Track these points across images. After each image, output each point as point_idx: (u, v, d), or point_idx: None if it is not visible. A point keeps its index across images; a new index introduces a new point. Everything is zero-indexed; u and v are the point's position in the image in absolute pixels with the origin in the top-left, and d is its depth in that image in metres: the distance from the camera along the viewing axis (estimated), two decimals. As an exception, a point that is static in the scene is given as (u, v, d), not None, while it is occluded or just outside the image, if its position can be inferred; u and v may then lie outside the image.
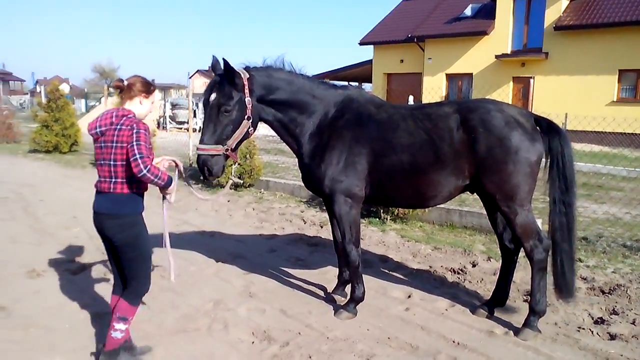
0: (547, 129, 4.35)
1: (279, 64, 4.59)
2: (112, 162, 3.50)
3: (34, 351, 4.10)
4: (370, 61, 30.89)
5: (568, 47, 22.93)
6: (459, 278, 5.78)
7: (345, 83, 41.65)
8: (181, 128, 26.81)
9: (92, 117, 26.79)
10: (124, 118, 3.51)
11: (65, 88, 16.87)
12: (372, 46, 30.25)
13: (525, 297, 5.17)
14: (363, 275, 4.86)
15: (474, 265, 6.12)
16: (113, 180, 3.53)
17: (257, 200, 10.07)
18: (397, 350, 4.14)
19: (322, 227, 7.95)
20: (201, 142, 4.22)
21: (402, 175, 4.40)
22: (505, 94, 23.72)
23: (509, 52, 24.80)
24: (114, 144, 3.47)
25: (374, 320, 4.68)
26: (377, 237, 7.44)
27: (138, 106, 3.65)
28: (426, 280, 5.71)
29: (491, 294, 4.96)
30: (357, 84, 37.36)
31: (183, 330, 4.47)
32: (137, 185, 3.58)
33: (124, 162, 3.47)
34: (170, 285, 5.46)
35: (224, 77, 4.22)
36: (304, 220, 8.38)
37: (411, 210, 7.94)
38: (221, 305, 4.99)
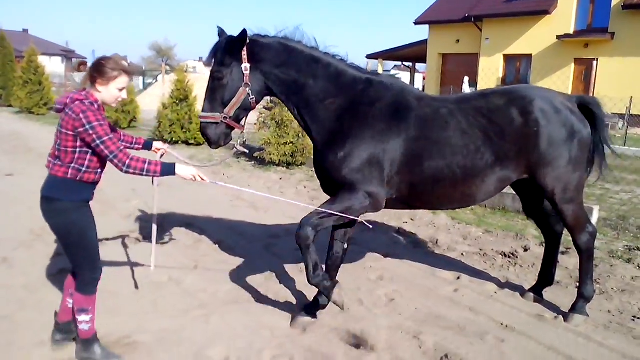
0: (594, 106, 4.27)
1: (298, 35, 4.11)
2: (57, 145, 3.29)
3: (99, 312, 4.35)
4: (425, 41, 30.38)
5: (636, 27, 21.79)
6: (509, 262, 5.74)
7: (399, 63, 41.13)
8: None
9: (149, 95, 27.60)
10: (76, 103, 3.23)
11: (124, 66, 17.55)
12: (427, 26, 29.72)
13: (577, 284, 5.08)
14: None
15: (525, 250, 6.05)
16: (54, 161, 3.32)
17: (309, 178, 10.19)
18: (444, 330, 4.18)
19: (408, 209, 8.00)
20: (202, 110, 4.08)
21: (452, 181, 4.01)
22: (565, 76, 22.92)
23: (571, 32, 23.85)
24: (60, 129, 3.25)
25: (423, 300, 4.73)
26: (427, 218, 7.44)
27: (97, 92, 3.33)
28: (476, 263, 5.70)
29: (537, 277, 4.91)
30: (410, 64, 36.87)
31: (236, 301, 4.65)
32: (80, 173, 3.31)
33: (67, 149, 3.25)
34: (223, 258, 5.69)
35: (219, 44, 3.99)
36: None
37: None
38: (272, 279, 5.16)
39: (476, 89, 25.90)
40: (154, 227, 4.27)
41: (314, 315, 4.30)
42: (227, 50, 3.90)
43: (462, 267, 5.56)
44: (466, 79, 23.93)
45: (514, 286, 5.07)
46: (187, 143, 14.27)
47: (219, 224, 6.99)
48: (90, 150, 3.28)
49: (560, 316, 4.42)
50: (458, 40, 28.45)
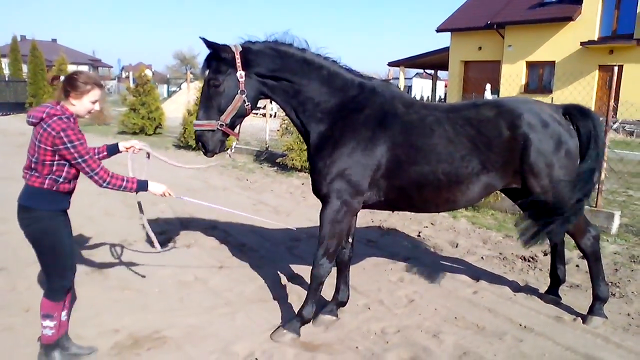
0: (578, 116, 4.25)
1: (288, 39, 4.12)
2: (33, 158, 3.35)
3: (130, 309, 4.56)
4: (447, 48, 30.35)
5: (662, 33, 21.54)
6: (529, 265, 5.79)
7: (421, 70, 41.09)
8: (257, 114, 27.56)
9: (173, 102, 28.14)
10: (54, 119, 3.29)
11: (148, 74, 17.88)
12: (449, 33, 29.70)
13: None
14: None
15: (545, 254, 6.09)
16: (30, 172, 3.39)
17: (330, 184, 10.31)
18: (463, 330, 4.28)
19: (393, 211, 8.10)
20: (197, 118, 4.10)
21: (435, 186, 4.08)
22: (589, 83, 22.69)
23: (595, 38, 23.65)
24: (38, 143, 3.30)
25: (442, 301, 4.82)
26: (447, 223, 7.52)
27: (71, 105, 3.40)
28: (495, 266, 5.77)
29: (549, 278, 4.96)
30: (432, 71, 36.83)
31: (261, 300, 4.80)
32: (56, 184, 3.40)
33: (45, 162, 3.33)
34: (247, 259, 5.85)
35: (214, 52, 4.00)
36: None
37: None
38: (295, 279, 5.30)
39: (498, 96, 25.81)
40: (146, 223, 4.49)
41: (335, 315, 4.43)
42: (221, 58, 3.95)
43: (481, 270, 5.64)
44: (488, 86, 23.81)
45: (532, 289, 5.13)
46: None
47: (243, 227, 7.17)
48: (67, 163, 3.39)
49: (579, 318, 4.47)
50: (480, 48, 28.38)
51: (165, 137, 17.66)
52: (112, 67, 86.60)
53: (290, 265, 5.68)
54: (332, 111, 4.11)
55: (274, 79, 4.08)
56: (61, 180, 3.40)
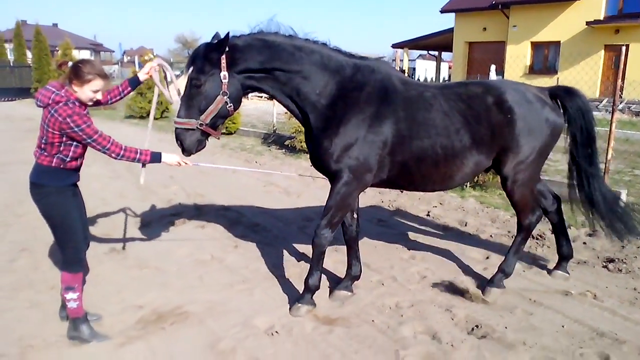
0: (565, 96, 4.49)
1: (273, 27, 4.06)
2: (43, 139, 3.53)
3: (148, 287, 4.71)
4: (451, 29, 30.21)
5: (669, 12, 21.40)
6: (537, 243, 5.91)
7: (425, 52, 40.82)
8: (261, 97, 27.59)
9: (179, 85, 28.10)
10: (59, 105, 3.43)
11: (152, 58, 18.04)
12: (453, 14, 29.53)
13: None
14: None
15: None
16: (40, 152, 3.59)
17: (338, 165, 10.42)
18: (474, 304, 4.41)
19: (401, 191, 8.23)
20: (177, 115, 4.04)
21: (433, 160, 4.17)
22: (595, 63, 22.61)
23: (601, 18, 23.50)
24: (46, 126, 3.47)
25: (454, 277, 4.95)
26: (456, 202, 7.63)
27: (74, 91, 3.54)
28: (504, 244, 5.88)
29: (557, 254, 5.13)
30: (436, 53, 36.68)
31: (276, 276, 4.95)
32: (64, 163, 3.59)
33: (54, 143, 3.50)
34: (260, 239, 5.99)
35: (198, 51, 3.97)
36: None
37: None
38: (307, 257, 5.43)
39: (503, 77, 25.73)
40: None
41: (350, 290, 4.57)
42: (206, 58, 3.87)
43: (491, 248, 5.76)
44: (493, 67, 23.65)
45: (541, 265, 5.25)
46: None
47: (255, 208, 7.30)
48: (74, 143, 3.55)
49: (587, 292, 4.60)
50: (485, 28, 28.22)
51: (165, 118, 17.74)
52: (113, 51, 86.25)
53: (303, 244, 5.82)
54: (331, 93, 4.09)
55: (264, 71, 4.02)
56: (68, 159, 3.59)
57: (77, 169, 3.76)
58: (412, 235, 6.19)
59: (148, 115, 17.73)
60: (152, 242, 5.85)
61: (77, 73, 3.49)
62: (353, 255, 4.67)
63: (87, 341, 3.76)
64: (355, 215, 4.61)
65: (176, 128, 4.02)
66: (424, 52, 40.43)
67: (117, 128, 16.03)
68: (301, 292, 4.38)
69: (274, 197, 7.97)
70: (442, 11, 29.79)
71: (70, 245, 3.74)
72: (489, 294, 4.54)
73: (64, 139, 3.50)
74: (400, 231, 6.36)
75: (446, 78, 38.86)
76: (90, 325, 3.85)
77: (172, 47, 69.53)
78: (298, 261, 5.37)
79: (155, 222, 6.61)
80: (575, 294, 4.61)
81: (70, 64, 3.61)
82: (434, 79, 36.69)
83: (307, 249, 5.65)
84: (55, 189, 3.64)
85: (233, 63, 3.92)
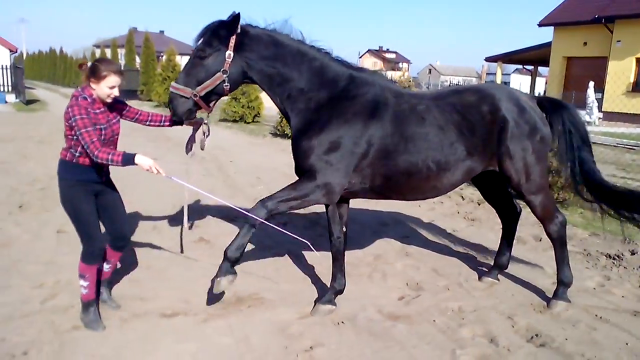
0: (551, 107, 4.58)
1: (286, 28, 4.20)
2: (64, 134, 3.87)
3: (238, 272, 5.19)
4: (548, 44, 29.29)
5: None
6: (613, 263, 5.83)
7: (520, 66, 39.56)
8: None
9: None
10: (72, 98, 3.78)
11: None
12: (552, 28, 28.60)
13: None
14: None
15: (633, 253, 6.08)
16: (63, 146, 3.91)
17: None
18: (537, 314, 4.50)
19: (479, 204, 8.28)
20: (175, 80, 4.13)
21: (424, 174, 4.16)
22: None
23: None
24: (64, 118, 3.80)
25: (520, 288, 5.05)
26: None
27: (92, 88, 3.81)
28: (578, 262, 5.85)
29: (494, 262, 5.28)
30: (532, 67, 35.56)
31: (349, 274, 5.24)
32: (74, 157, 3.84)
33: (67, 136, 3.81)
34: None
35: (211, 25, 4.04)
36: (462, 197, 8.77)
37: (572, 195, 7.90)
38: (380, 259, 5.72)
39: (602, 95, 24.59)
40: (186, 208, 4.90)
41: (334, 304, 4.52)
42: (216, 33, 3.98)
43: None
44: (591, 84, 22.79)
45: (614, 285, 5.20)
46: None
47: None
48: None
49: (658, 314, 4.54)
50: (585, 43, 27.13)
51: (263, 126, 18.64)
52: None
53: (376, 247, 6.10)
54: (321, 101, 4.14)
55: (265, 67, 4.12)
56: (77, 154, 3.83)
57: (94, 167, 3.91)
58: (485, 246, 6.30)
59: (241, 119, 18.80)
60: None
61: (94, 71, 3.77)
62: (338, 268, 4.62)
63: (89, 326, 4.05)
64: (344, 229, 4.63)
65: (171, 92, 4.10)
66: (519, 67, 39.24)
67: (211, 130, 17.07)
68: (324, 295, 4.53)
69: (354, 201, 8.28)
70: (541, 25, 28.97)
71: (84, 239, 3.99)
72: (554, 306, 4.61)
73: (73, 132, 3.74)
74: (474, 242, 6.47)
75: (541, 94, 37.55)
76: (97, 312, 4.12)
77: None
78: (370, 262, 5.66)
79: (240, 217, 7.14)
80: (647, 315, 4.56)
81: (89, 64, 3.86)
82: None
83: (380, 252, 5.94)
84: (66, 182, 3.89)
85: (240, 47, 4.02)
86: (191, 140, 4.53)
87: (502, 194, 5.11)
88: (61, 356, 3.68)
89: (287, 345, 3.91)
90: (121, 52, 35.73)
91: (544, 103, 4.62)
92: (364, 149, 4.06)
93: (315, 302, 4.58)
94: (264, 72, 4.15)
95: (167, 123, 4.32)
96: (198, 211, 7.24)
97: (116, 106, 4.08)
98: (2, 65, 25.66)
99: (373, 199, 4.63)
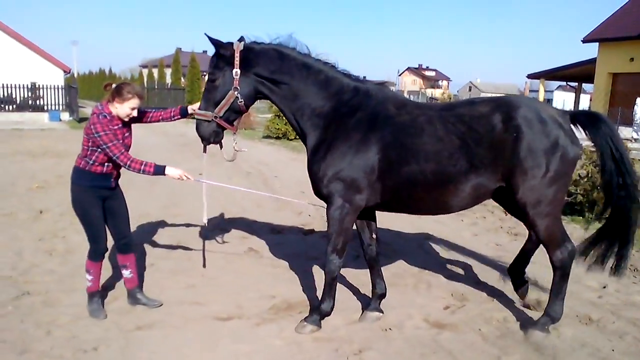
0: (587, 122, 4.19)
1: (291, 43, 4.33)
2: (82, 142, 4.24)
3: (280, 282, 5.44)
4: (592, 60, 28.79)
5: None
6: (669, 277, 5.79)
7: (564, 83, 38.95)
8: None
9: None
10: (93, 115, 4.18)
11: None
12: (596, 44, 28.15)
13: None
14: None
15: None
16: (78, 154, 4.32)
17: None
18: (584, 326, 4.56)
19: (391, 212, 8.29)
20: (198, 107, 4.41)
21: (424, 185, 4.10)
22: None
23: None
24: (83, 132, 4.24)
25: (566, 300, 5.06)
26: (578, 234, 7.54)
27: (114, 107, 4.23)
28: (625, 277, 5.82)
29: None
30: (576, 84, 35.00)
31: (394, 284, 5.41)
32: (88, 165, 4.23)
33: (84, 146, 4.20)
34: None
35: (215, 50, 4.29)
36: (505, 213, 8.78)
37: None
38: (425, 271, 5.85)
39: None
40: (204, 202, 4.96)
41: (380, 311, 4.68)
42: (219, 56, 4.23)
43: (609, 279, 5.73)
44: (639, 100, 22.32)
45: (663, 300, 5.19)
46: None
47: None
48: (98, 149, 4.17)
49: None
50: (632, 59, 26.53)
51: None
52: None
53: (420, 259, 6.23)
54: (327, 115, 4.27)
55: (273, 82, 4.28)
56: (91, 162, 4.23)
57: (105, 175, 4.33)
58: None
59: (284, 136, 19.20)
60: (283, 245, 6.62)
61: (120, 92, 4.20)
62: (375, 274, 4.73)
63: (93, 314, 4.49)
64: (374, 236, 4.73)
65: (196, 119, 4.38)
66: (563, 83, 38.66)
67: (255, 147, 17.51)
68: (310, 312, 4.53)
69: (396, 215, 8.42)
70: (585, 41, 28.55)
71: (90, 239, 4.45)
72: (531, 335, 4.28)
73: (91, 143, 4.16)
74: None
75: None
76: (100, 302, 4.59)
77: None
78: (415, 273, 5.79)
79: (287, 229, 7.40)
80: (696, 330, 4.55)
81: (114, 85, 4.28)
82: (572, 111, 34.90)
83: (425, 264, 6.07)
84: (77, 187, 4.31)
85: (246, 63, 4.21)
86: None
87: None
88: (127, 352, 3.98)
89: (337, 348, 4.09)
90: (167, 71, 36.96)
91: (580, 117, 4.24)
92: (370, 162, 4.12)
93: (363, 309, 4.74)
94: (274, 86, 4.31)
95: (178, 117, 4.74)
96: (246, 224, 7.52)
97: (130, 121, 4.44)
98: (57, 85, 26.91)
99: (393, 212, 4.63)
